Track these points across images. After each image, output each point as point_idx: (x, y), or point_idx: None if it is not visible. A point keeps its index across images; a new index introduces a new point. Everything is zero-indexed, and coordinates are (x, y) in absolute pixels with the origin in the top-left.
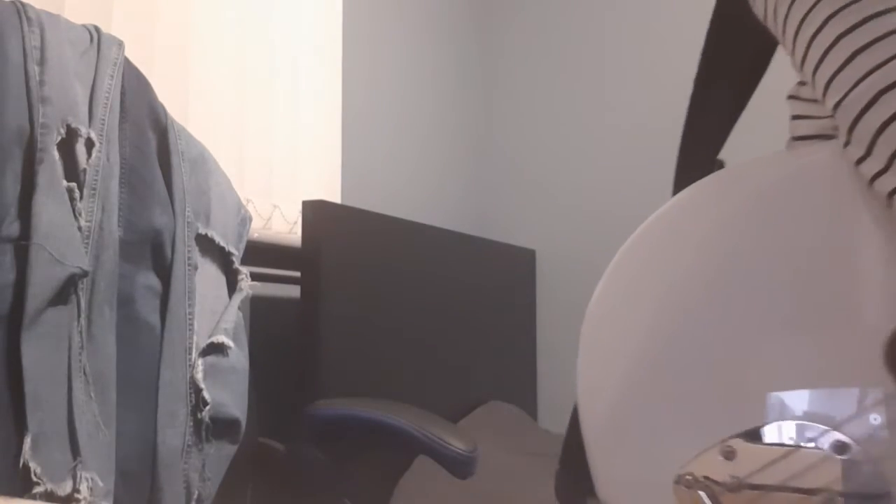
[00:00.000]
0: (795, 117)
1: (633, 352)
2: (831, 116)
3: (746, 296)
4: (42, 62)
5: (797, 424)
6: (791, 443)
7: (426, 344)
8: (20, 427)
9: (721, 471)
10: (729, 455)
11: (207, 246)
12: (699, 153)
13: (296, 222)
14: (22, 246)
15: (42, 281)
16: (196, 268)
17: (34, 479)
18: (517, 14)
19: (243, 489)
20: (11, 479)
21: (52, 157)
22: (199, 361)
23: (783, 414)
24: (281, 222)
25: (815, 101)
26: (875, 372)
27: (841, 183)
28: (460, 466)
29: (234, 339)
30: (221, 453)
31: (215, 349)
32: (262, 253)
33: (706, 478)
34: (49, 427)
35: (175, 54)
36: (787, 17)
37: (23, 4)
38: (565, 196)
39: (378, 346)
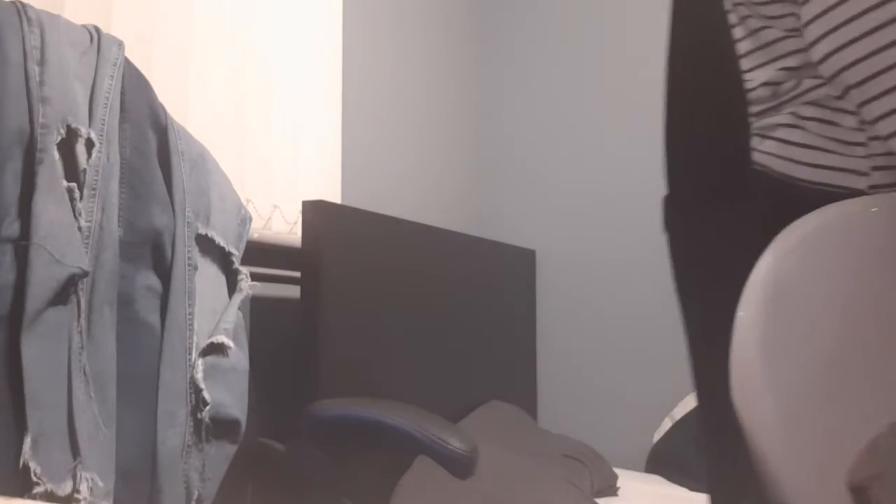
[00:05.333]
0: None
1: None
2: None
3: None
4: (42, 62)
5: None
6: None
7: (426, 344)
8: (20, 427)
9: None
10: None
11: (207, 246)
12: None
13: (296, 222)
14: (22, 246)
15: (42, 281)
16: (196, 268)
17: (34, 479)
18: (516, 14)
19: (243, 489)
20: (11, 479)
21: (52, 157)
22: (199, 361)
23: None
24: (281, 222)
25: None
26: None
27: None
28: (460, 466)
29: (234, 339)
30: (221, 453)
31: (215, 349)
32: (262, 253)
33: None
34: (49, 427)
35: (175, 54)
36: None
37: (23, 4)
38: (565, 196)
39: (378, 345)
